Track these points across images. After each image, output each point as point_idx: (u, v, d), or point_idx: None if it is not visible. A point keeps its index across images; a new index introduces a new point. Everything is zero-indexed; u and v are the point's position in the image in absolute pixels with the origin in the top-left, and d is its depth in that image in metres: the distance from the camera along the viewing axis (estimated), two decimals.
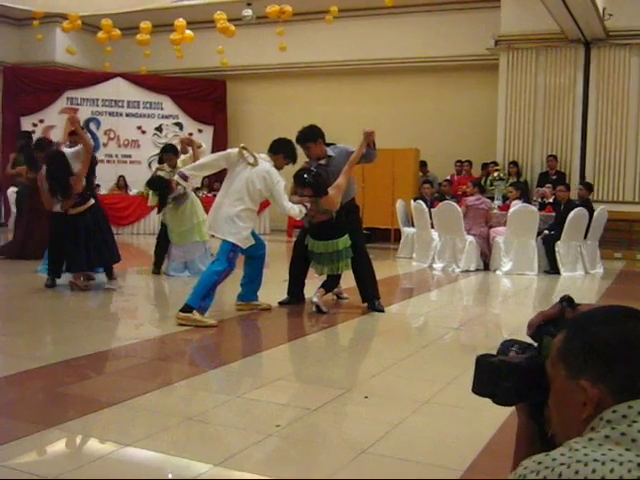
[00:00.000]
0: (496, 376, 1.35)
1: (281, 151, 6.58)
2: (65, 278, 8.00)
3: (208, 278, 6.22)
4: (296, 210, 6.42)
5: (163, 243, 9.35)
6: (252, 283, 6.92)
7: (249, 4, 14.68)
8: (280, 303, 7.18)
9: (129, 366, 5.00)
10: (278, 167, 6.48)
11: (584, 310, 1.32)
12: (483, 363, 1.38)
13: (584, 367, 1.18)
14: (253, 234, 6.56)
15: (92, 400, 4.05)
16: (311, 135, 7.00)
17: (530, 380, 1.33)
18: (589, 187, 11.36)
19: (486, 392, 1.38)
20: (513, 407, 1.42)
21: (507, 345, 1.41)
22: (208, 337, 5.99)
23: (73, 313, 7.12)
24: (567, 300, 1.41)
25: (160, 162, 9.61)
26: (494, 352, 1.43)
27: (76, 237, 7.72)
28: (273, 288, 7.41)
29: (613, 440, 1.08)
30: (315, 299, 6.77)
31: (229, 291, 7.22)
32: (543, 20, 12.13)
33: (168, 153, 9.10)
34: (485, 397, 1.39)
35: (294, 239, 8.02)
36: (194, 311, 6.07)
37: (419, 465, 3.21)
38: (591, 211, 10.64)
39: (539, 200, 11.57)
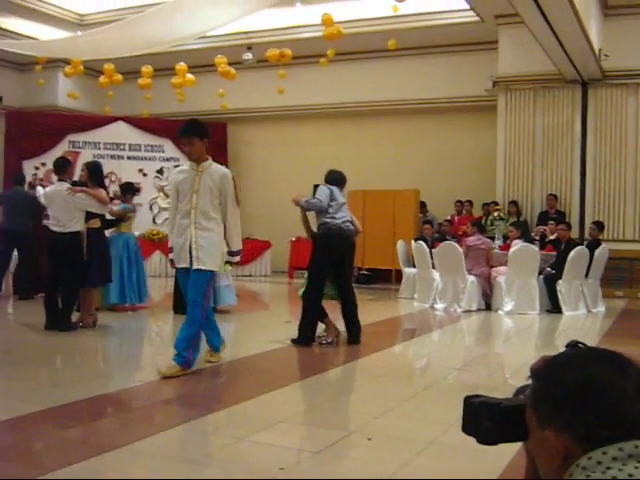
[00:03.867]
0: (477, 416, 1.36)
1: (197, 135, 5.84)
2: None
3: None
4: None
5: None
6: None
7: (249, 48, 14.88)
8: (293, 341, 7.18)
9: (130, 409, 4.97)
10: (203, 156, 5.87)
11: (548, 358, 1.30)
12: (467, 403, 1.40)
13: (549, 418, 1.19)
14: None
15: (93, 444, 4.02)
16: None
17: (512, 421, 1.32)
18: (600, 227, 11.38)
19: (470, 432, 1.39)
20: (519, 446, 1.42)
21: (520, 390, 1.42)
22: (209, 380, 5.96)
23: (74, 355, 7.09)
24: (572, 345, 1.39)
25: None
26: (497, 392, 1.42)
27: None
28: (276, 330, 7.36)
29: None
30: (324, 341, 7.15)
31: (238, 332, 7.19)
32: (540, 61, 12.26)
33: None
34: (471, 436, 1.39)
35: (295, 280, 7.98)
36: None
37: None
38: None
39: (537, 238, 11.57)
